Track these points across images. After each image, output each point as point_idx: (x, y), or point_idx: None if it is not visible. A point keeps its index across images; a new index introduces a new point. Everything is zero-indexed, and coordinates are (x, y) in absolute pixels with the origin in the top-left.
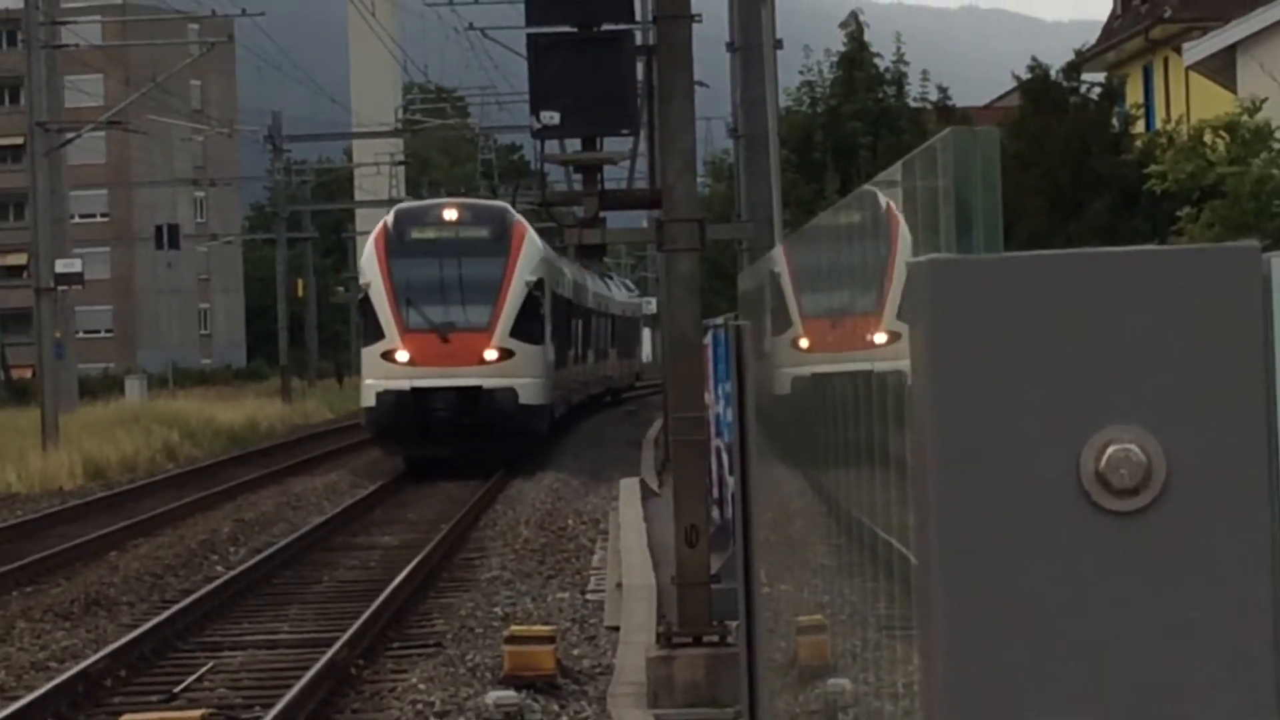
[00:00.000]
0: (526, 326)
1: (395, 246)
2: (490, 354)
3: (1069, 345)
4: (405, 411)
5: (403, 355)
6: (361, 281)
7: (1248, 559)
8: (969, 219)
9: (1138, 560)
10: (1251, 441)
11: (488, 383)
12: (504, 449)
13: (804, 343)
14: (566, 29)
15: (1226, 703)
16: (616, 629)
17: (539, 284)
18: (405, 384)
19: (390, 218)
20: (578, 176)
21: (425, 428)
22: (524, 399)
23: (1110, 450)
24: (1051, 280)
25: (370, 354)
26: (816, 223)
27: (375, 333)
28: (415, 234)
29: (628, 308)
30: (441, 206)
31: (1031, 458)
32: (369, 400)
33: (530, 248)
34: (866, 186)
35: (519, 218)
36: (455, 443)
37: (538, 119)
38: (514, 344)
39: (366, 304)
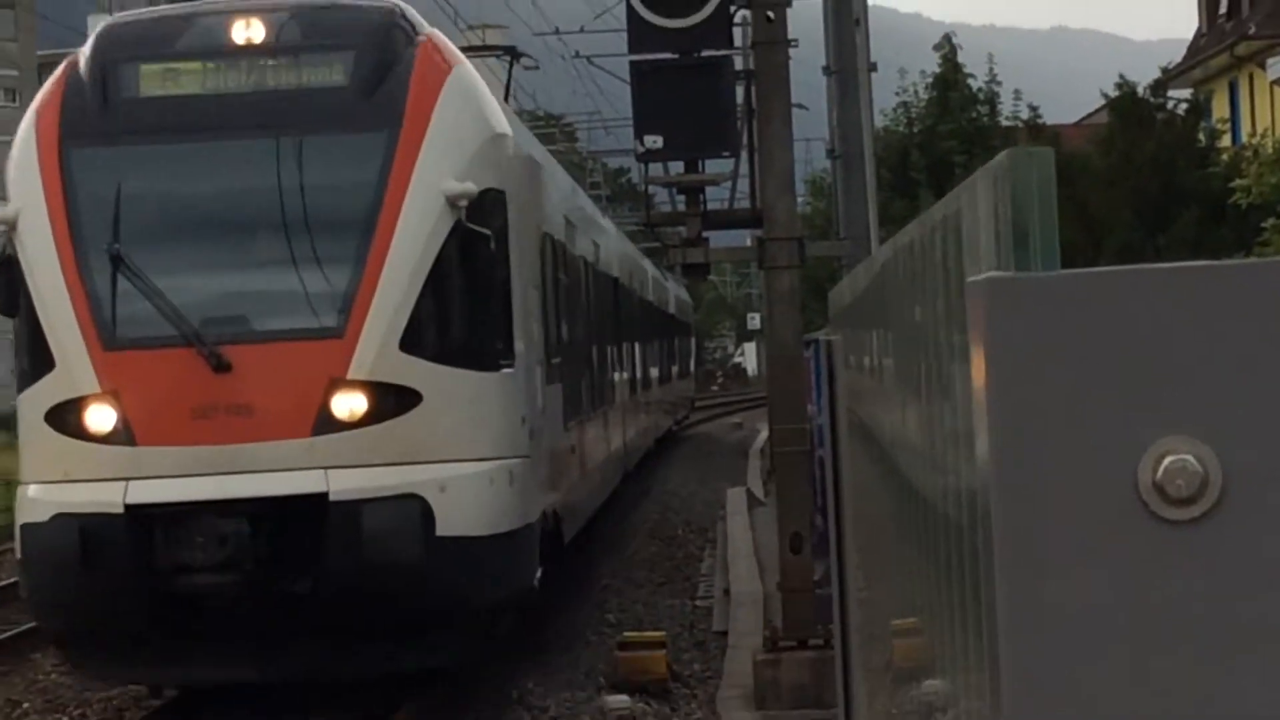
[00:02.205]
0: (458, 316)
1: (91, 122)
2: (348, 403)
3: (1125, 359)
4: (114, 574)
5: (103, 416)
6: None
7: None
8: (1025, 237)
9: (1196, 568)
10: None
11: (342, 486)
12: (408, 657)
13: None
14: (668, 56)
15: None
16: (724, 634)
17: (488, 203)
18: (111, 499)
19: (88, 48)
20: (681, 197)
21: (176, 614)
22: (452, 524)
23: (1167, 461)
24: (1107, 296)
25: (30, 409)
26: None
27: (36, 355)
28: (149, 85)
29: (681, 304)
30: (224, 18)
31: (1090, 469)
32: (24, 541)
33: (461, 111)
34: None
35: (430, 34)
36: (266, 652)
37: (642, 143)
38: (421, 370)
39: (11, 275)
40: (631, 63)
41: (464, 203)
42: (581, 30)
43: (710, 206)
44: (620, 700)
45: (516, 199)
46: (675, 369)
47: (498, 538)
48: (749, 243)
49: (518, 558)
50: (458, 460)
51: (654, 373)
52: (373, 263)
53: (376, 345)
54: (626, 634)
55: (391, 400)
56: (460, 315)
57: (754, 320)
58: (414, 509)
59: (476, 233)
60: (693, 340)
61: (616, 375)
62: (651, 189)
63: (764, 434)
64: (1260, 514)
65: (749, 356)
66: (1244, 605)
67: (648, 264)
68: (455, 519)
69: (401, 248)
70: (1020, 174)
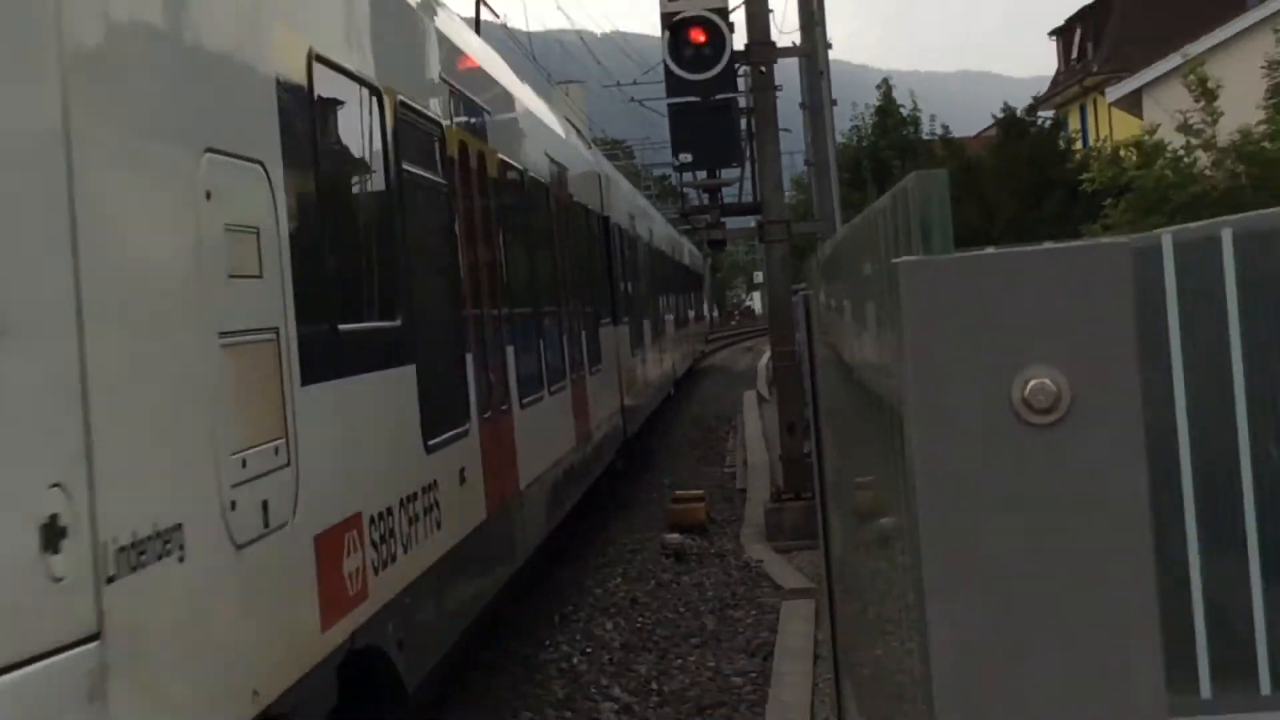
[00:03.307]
0: None
1: None
2: None
3: (1001, 314)
4: None
5: None
6: None
7: (1128, 457)
8: (929, 232)
9: (1052, 459)
10: (1125, 377)
11: None
12: None
13: None
14: (693, 99)
15: (1119, 558)
16: (744, 491)
17: None
18: None
19: None
20: (705, 194)
21: None
22: None
23: (1031, 383)
24: (986, 271)
25: None
26: None
27: None
28: None
29: (694, 256)
30: None
31: (978, 390)
32: None
33: None
34: None
35: None
36: None
37: (677, 158)
38: None
39: None
40: (669, 104)
41: None
42: (634, 83)
43: (725, 200)
44: (674, 537)
45: None
46: (691, 313)
47: None
48: (753, 224)
49: None
50: None
51: (669, 318)
52: None
53: None
54: (677, 492)
55: None
56: None
57: (758, 276)
58: None
59: None
60: (705, 290)
61: (609, 325)
62: (685, 189)
63: (767, 354)
64: (1098, 421)
65: (756, 301)
66: (1089, 489)
67: (654, 211)
68: None
69: None
70: (924, 189)
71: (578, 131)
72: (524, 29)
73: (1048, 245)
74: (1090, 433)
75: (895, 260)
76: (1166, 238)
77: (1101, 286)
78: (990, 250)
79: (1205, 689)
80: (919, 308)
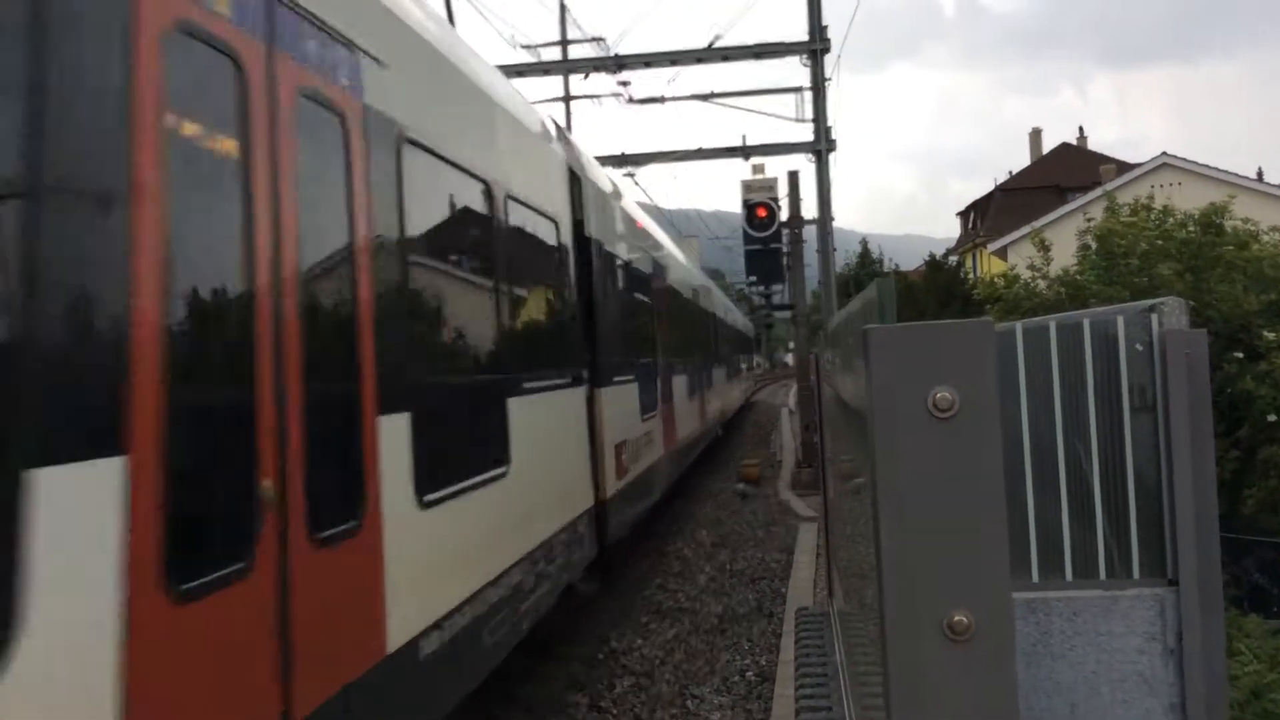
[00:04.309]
0: None
1: None
2: None
3: (922, 356)
4: None
5: None
6: None
7: (989, 437)
8: (884, 311)
9: (950, 438)
10: (988, 394)
11: None
12: None
13: None
14: (758, 246)
15: (984, 493)
16: (780, 461)
17: None
18: None
19: None
20: (764, 298)
21: None
22: None
23: (938, 394)
24: (914, 334)
25: None
26: None
27: None
28: None
29: (746, 326)
30: None
31: (911, 399)
32: None
33: None
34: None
35: None
36: None
37: (749, 279)
38: None
39: None
40: (746, 249)
41: None
42: (727, 237)
43: (774, 301)
44: (741, 485)
45: None
46: (744, 367)
47: None
48: (789, 315)
49: None
50: None
51: (730, 368)
52: None
53: None
54: (744, 460)
55: None
56: None
57: (790, 344)
58: None
59: None
60: (753, 352)
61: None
62: (753, 295)
63: (795, 387)
64: (972, 417)
65: (789, 358)
66: (968, 454)
67: (721, 294)
68: None
69: None
70: (882, 288)
71: (653, 241)
72: (667, 207)
73: (948, 321)
74: (969, 423)
75: (865, 327)
76: (1018, 325)
77: (975, 343)
78: (917, 324)
79: (1035, 576)
80: (878, 352)
